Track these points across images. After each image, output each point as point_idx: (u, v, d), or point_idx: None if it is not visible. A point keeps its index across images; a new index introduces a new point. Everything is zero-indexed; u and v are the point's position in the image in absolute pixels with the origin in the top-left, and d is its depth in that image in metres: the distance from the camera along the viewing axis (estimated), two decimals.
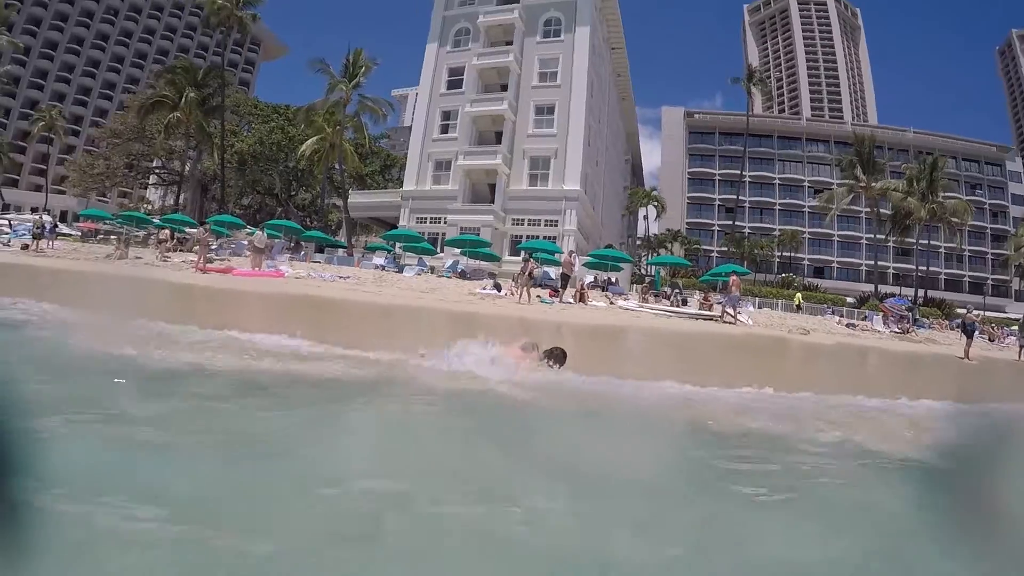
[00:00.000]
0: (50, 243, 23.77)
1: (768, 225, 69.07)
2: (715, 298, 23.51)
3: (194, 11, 70.02)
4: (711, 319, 16.40)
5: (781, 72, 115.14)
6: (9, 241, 25.34)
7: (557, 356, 7.50)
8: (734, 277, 17.21)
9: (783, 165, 72.34)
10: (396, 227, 36.39)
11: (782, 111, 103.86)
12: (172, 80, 39.57)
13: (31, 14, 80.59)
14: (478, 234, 32.54)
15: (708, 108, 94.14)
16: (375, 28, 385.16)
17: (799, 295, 28.41)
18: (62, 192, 62.84)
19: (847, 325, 21.10)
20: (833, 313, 28.41)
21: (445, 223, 35.82)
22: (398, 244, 32.33)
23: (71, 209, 61.09)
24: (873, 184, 41.28)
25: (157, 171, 49.52)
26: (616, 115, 54.98)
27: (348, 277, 18.27)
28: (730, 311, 16.76)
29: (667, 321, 14.23)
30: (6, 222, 34.70)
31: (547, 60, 38.11)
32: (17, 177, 76.28)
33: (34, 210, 40.69)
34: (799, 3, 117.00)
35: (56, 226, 28.04)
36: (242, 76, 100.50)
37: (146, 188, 59.99)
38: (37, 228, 23.50)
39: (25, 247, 21.42)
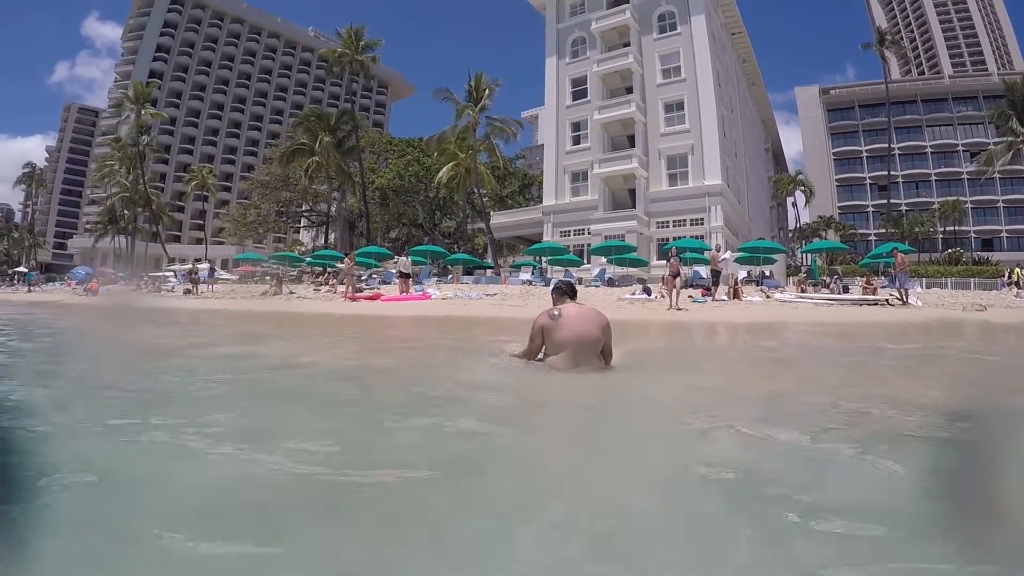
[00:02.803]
0: (210, 287, 26.46)
1: (925, 199, 62.26)
2: (878, 282, 21.51)
3: (320, 64, 75.87)
4: (876, 303, 15.46)
5: (913, 31, 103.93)
6: (173, 288, 28.51)
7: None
8: (899, 254, 16.19)
9: (932, 131, 65.21)
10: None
11: (921, 73, 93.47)
12: (308, 128, 42.38)
13: (172, 88, 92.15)
14: (623, 241, 31.93)
15: (841, 82, 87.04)
16: (497, 58, 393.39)
17: (1018, 270, 25.43)
18: (221, 243, 70.27)
19: None
20: (1010, 286, 25.22)
21: (588, 233, 35.56)
22: (544, 258, 32.52)
23: (230, 257, 68.33)
24: None
25: (306, 214, 53.82)
26: (748, 103, 52.09)
27: (495, 295, 18.51)
28: (896, 293, 15.85)
29: (828, 310, 13.71)
30: (172, 272, 39.27)
31: (667, 56, 36.94)
32: (179, 233, 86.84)
33: (197, 260, 45.69)
34: None
35: (214, 271, 31.35)
36: (375, 118, 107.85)
37: (298, 231, 65.65)
38: (194, 274, 26.52)
39: (187, 292, 23.98)
